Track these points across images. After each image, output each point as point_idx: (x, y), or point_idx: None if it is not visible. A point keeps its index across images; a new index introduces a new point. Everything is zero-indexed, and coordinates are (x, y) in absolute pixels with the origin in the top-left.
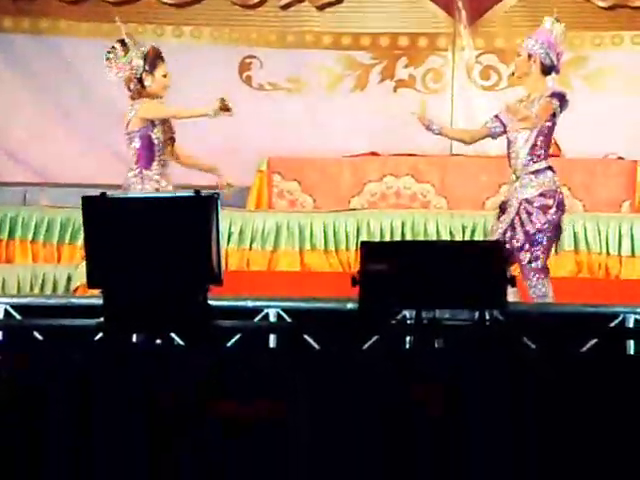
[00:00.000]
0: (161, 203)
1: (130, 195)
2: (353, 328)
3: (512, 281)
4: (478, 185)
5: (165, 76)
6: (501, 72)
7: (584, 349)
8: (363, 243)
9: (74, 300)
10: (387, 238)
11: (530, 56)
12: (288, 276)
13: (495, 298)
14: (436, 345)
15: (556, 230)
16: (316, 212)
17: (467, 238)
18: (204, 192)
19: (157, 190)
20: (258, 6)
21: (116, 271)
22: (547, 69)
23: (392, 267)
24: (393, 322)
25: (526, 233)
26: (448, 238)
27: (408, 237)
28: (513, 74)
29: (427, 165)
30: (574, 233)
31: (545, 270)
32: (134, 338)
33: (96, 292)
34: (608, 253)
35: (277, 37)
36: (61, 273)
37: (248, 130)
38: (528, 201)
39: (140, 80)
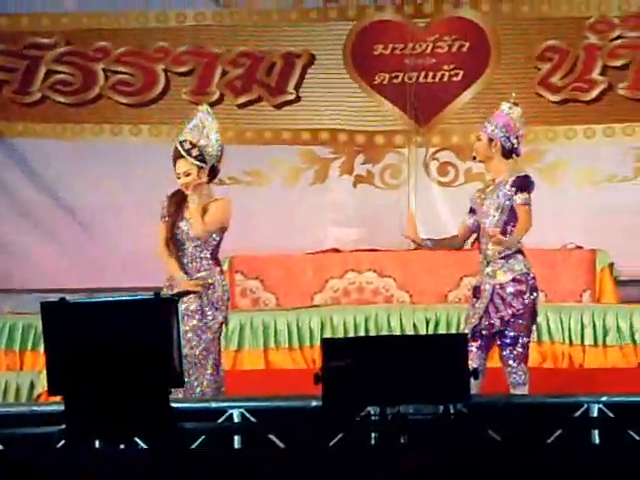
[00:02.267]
0: (121, 307)
1: (89, 300)
2: (318, 426)
3: (475, 373)
4: (439, 278)
5: (179, 177)
6: (458, 168)
7: (550, 440)
8: (324, 340)
9: (35, 408)
10: (351, 334)
11: (491, 140)
12: (253, 375)
13: (459, 391)
14: (401, 440)
15: (532, 314)
16: (279, 310)
17: (431, 331)
18: (164, 294)
19: (170, 286)
20: (215, 104)
21: (77, 376)
22: (508, 152)
23: (354, 363)
24: (358, 419)
25: (501, 319)
26: (412, 332)
27: (372, 332)
28: (474, 158)
29: (388, 260)
30: (537, 323)
31: (525, 356)
32: (97, 444)
33: (58, 399)
34: (571, 343)
35: (235, 133)
36: (23, 380)
37: None
38: (501, 287)
39: None
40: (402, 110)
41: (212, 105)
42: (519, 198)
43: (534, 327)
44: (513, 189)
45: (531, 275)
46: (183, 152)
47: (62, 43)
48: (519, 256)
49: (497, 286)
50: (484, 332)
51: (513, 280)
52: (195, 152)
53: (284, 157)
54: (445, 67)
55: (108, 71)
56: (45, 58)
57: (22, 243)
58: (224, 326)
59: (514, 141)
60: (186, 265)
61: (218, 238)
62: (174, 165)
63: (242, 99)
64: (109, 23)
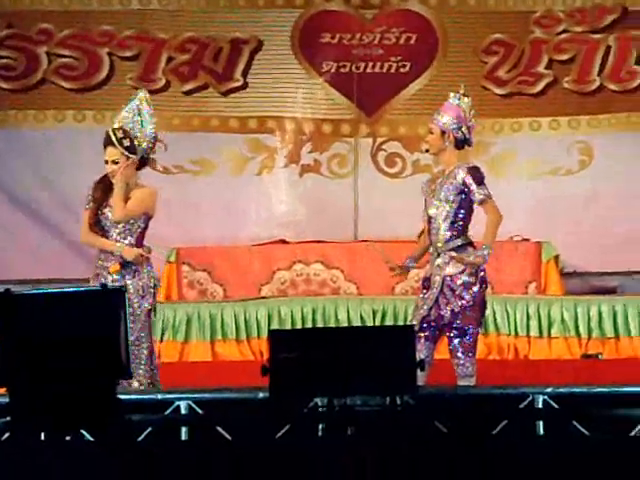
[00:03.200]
0: (67, 298)
1: (35, 291)
2: (265, 418)
3: (421, 365)
4: (387, 270)
5: (106, 162)
6: (405, 159)
7: (495, 431)
8: (271, 332)
9: None
10: (298, 325)
11: (443, 132)
12: (200, 367)
13: (406, 383)
14: (349, 432)
15: (481, 306)
16: (226, 301)
17: (378, 323)
18: (111, 285)
19: (97, 275)
20: (162, 91)
21: (22, 368)
22: (460, 143)
23: (302, 355)
24: (305, 410)
25: (451, 310)
26: (359, 323)
27: (319, 323)
28: (427, 151)
29: (336, 251)
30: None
31: (473, 348)
32: (42, 436)
33: (2, 390)
34: (517, 334)
35: (181, 121)
36: None
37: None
38: (451, 278)
39: None
40: (349, 99)
41: (158, 92)
42: (479, 194)
43: (483, 319)
44: (468, 186)
45: (481, 267)
46: (115, 140)
47: (3, 25)
48: (469, 248)
49: (447, 278)
50: (433, 323)
51: (463, 272)
52: (126, 142)
53: (231, 146)
54: (392, 58)
55: (52, 55)
56: None
57: None
58: (153, 315)
59: (465, 131)
60: (112, 253)
61: (143, 225)
62: (104, 150)
63: (188, 86)
64: (51, 5)
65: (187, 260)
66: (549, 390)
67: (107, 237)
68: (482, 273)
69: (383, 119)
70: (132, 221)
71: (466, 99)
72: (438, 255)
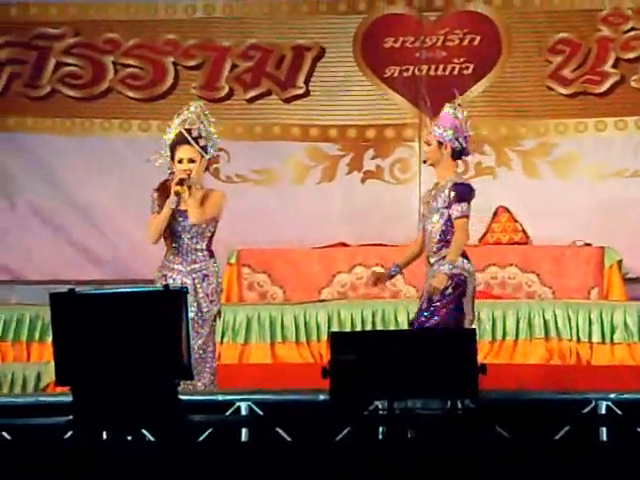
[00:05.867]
0: (130, 298)
1: (98, 291)
2: (325, 420)
3: (483, 369)
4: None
5: (181, 161)
6: (468, 161)
7: (557, 437)
8: (332, 334)
9: (43, 398)
10: (358, 328)
11: (440, 144)
12: (260, 369)
13: (467, 387)
14: (409, 435)
15: (455, 310)
16: (286, 304)
17: None
18: (173, 287)
19: (164, 276)
20: (225, 99)
21: (85, 367)
22: (457, 154)
23: (362, 357)
24: (365, 413)
25: (423, 311)
26: None
27: (379, 327)
28: (425, 162)
29: (396, 254)
30: (544, 320)
31: None
32: (104, 435)
33: (66, 389)
34: (579, 340)
35: (244, 129)
36: (30, 371)
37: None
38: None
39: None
40: (412, 103)
41: (221, 100)
42: (456, 210)
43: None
44: (451, 198)
45: (463, 276)
46: (190, 139)
47: (71, 34)
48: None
49: (429, 286)
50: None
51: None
52: (202, 142)
53: (292, 155)
54: (456, 60)
55: (118, 64)
56: (54, 49)
57: (29, 236)
58: (218, 318)
59: (462, 142)
60: (183, 256)
61: (212, 229)
62: (174, 150)
63: (251, 93)
64: (117, 14)
65: (247, 262)
66: (612, 396)
67: (179, 242)
68: (460, 278)
69: None
70: (205, 225)
71: (462, 109)
72: (431, 265)
